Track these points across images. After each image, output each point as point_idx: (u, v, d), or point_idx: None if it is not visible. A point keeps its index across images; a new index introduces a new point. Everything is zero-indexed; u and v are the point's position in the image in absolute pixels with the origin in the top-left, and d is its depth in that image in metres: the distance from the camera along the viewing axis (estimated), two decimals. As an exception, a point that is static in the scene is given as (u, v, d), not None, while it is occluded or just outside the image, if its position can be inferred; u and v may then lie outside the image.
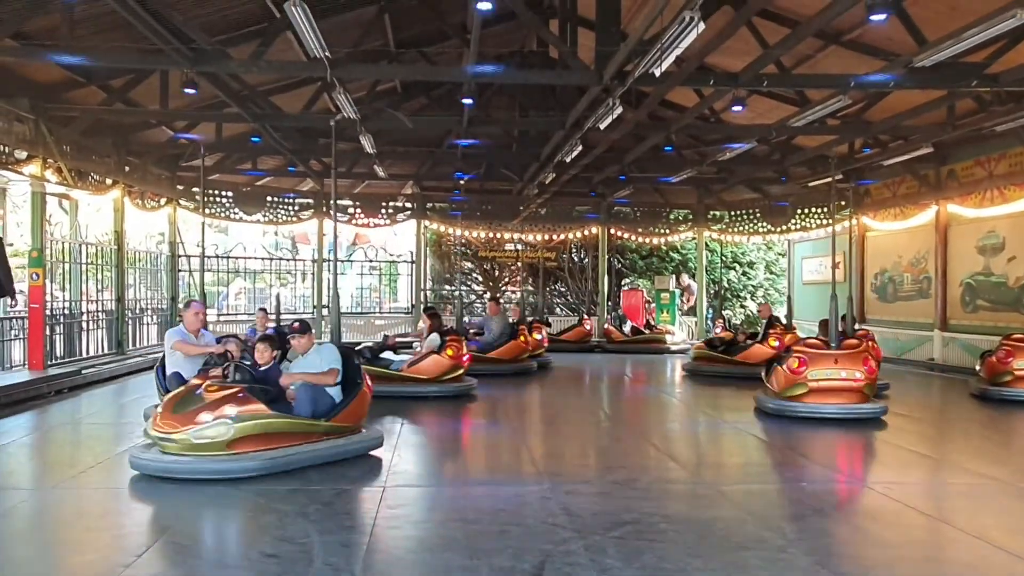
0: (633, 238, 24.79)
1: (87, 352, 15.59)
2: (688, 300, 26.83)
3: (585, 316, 22.87)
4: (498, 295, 22.97)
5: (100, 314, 16.45)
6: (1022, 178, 14.95)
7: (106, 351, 16.26)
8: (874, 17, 8.40)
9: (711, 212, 23.96)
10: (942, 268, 17.56)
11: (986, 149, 15.75)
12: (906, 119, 13.93)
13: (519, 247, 25.66)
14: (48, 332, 13.92)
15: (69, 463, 8.00)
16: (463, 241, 26.07)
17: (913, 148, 15.29)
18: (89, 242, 16.43)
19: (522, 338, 15.81)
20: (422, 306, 23.32)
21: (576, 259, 27.21)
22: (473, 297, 27.30)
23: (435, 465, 8.45)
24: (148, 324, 18.79)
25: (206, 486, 6.70)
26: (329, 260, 24.58)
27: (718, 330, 20.56)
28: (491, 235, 24.52)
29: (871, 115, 14.82)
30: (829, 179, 18.97)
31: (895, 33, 10.94)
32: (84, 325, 15.70)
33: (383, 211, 22.92)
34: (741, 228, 23.72)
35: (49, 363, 13.66)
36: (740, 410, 11.47)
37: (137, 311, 18.21)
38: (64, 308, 15.47)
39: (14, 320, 14.08)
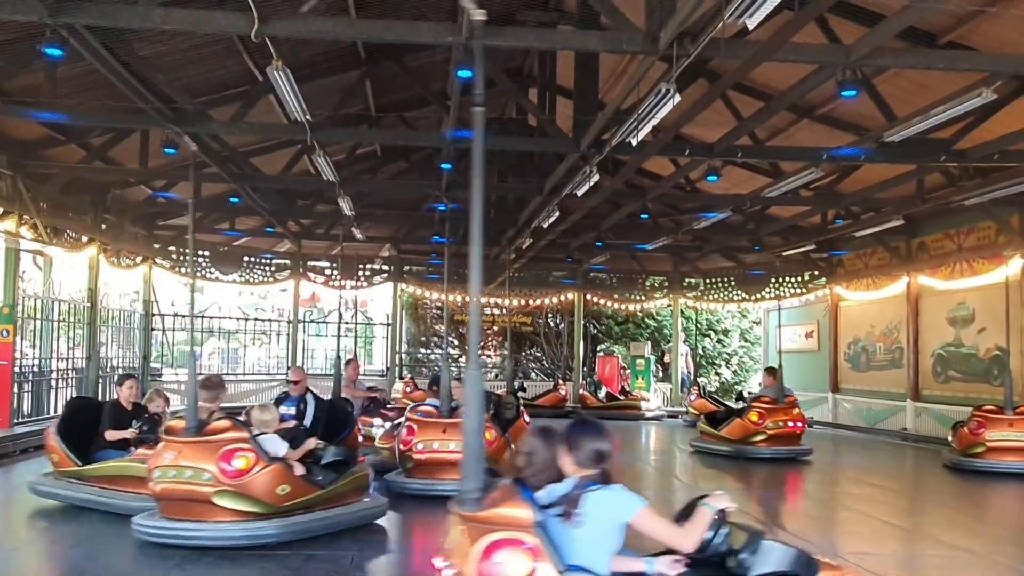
0: (609, 304, 24.87)
1: (55, 410, 15.31)
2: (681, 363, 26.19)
3: (560, 381, 22.83)
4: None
5: (70, 372, 16.22)
6: (990, 251, 15.19)
7: (74, 410, 15.98)
8: (845, 93, 8.60)
9: (686, 279, 24.12)
10: (914, 339, 17.71)
11: (955, 223, 16.02)
12: (877, 192, 14.18)
13: (495, 312, 25.65)
14: (16, 389, 13.70)
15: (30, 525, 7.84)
16: (439, 304, 26.04)
17: (884, 220, 15.54)
18: (62, 299, 16.27)
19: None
20: (399, 369, 23.23)
21: (552, 324, 27.22)
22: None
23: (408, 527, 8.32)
24: (119, 383, 18.52)
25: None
26: (303, 321, 24.50)
27: (692, 397, 20.58)
28: (467, 299, 24.49)
29: (843, 187, 15.07)
30: (803, 248, 19.37)
31: (866, 109, 11.19)
32: (53, 383, 15.46)
33: (360, 273, 22.92)
34: (716, 296, 23.89)
35: (16, 421, 13.41)
36: (714, 478, 11.43)
37: (108, 369, 17.97)
38: (33, 365, 15.24)
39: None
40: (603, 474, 3.81)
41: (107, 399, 9.48)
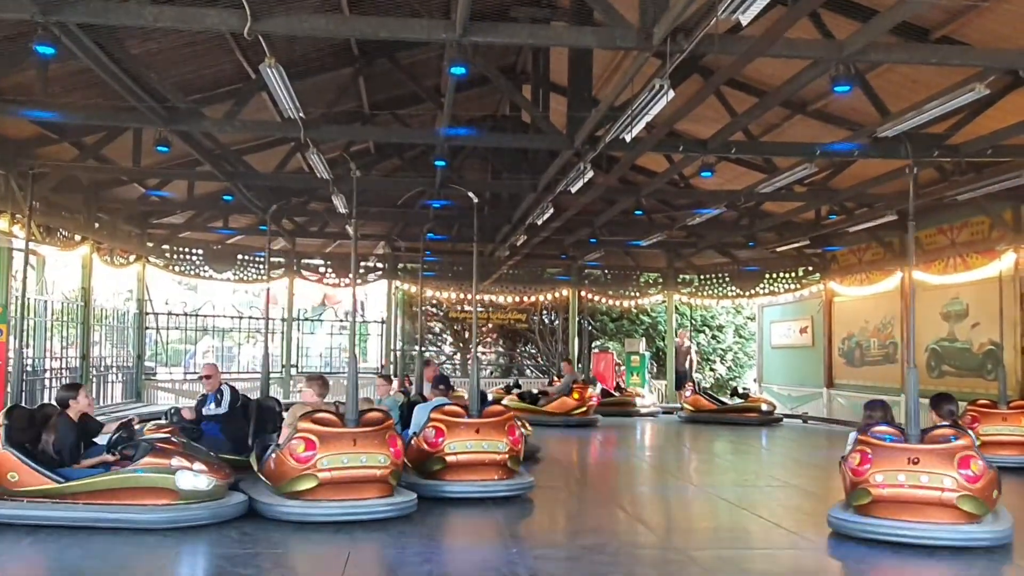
0: (604, 301, 24.89)
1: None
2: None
3: (555, 378, 22.80)
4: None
5: (64, 371, 16.18)
6: (984, 246, 15.24)
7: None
8: (838, 88, 8.61)
9: (681, 276, 24.15)
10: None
11: (948, 218, 16.05)
12: (871, 187, 14.19)
13: (490, 309, 25.63)
14: (9, 389, 13.64)
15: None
16: (433, 302, 26.01)
17: (878, 215, 15.56)
18: (55, 299, 16.24)
19: None
20: (392, 367, 23.19)
21: (546, 321, 27.22)
22: (443, 358, 27.21)
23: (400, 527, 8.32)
24: (113, 382, 18.52)
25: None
26: (298, 319, 24.45)
27: (688, 393, 20.63)
28: (461, 296, 24.50)
29: (837, 183, 15.08)
30: (797, 244, 19.40)
31: (859, 104, 11.20)
32: (47, 382, 15.43)
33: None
34: (710, 292, 23.91)
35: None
36: (710, 473, 11.44)
37: (102, 368, 17.93)
38: (27, 365, 15.20)
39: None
40: (954, 423, 7.45)
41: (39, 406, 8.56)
